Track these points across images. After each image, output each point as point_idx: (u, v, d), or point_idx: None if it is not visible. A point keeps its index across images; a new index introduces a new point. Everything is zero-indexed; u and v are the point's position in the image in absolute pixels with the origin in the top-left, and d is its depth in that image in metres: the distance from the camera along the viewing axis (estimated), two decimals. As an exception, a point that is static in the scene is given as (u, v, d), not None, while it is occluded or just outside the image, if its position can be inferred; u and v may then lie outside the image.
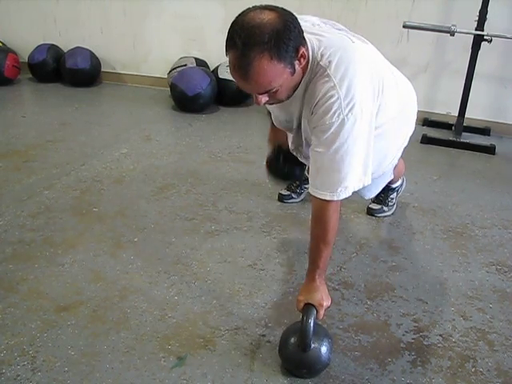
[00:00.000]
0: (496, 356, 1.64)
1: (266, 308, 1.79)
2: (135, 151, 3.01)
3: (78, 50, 4.08)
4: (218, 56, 3.84)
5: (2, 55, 3.99)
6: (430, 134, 3.42)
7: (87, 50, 4.10)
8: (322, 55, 1.51)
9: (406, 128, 1.96)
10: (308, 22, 1.64)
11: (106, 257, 2.02)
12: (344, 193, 1.53)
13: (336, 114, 1.47)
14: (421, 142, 3.36)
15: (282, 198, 2.51)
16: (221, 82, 3.73)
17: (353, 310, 1.81)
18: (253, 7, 1.41)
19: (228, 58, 1.41)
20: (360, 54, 1.58)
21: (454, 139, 3.37)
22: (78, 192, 2.50)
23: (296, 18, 1.43)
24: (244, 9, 1.42)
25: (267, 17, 1.36)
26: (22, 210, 2.31)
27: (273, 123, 1.99)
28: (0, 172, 2.67)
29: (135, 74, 4.27)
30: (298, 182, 2.52)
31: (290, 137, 1.99)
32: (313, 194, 1.56)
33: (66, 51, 4.13)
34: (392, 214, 2.45)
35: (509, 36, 3.15)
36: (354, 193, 1.58)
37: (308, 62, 1.51)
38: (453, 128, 3.47)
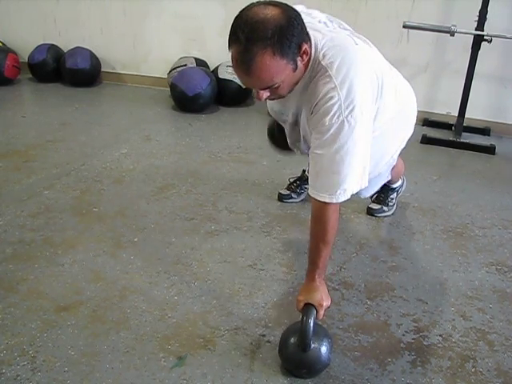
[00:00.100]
0: (496, 356, 1.64)
1: (265, 308, 1.79)
2: (135, 151, 3.01)
3: (77, 50, 4.08)
4: (217, 56, 3.85)
5: (1, 55, 3.99)
6: (430, 134, 3.42)
7: (87, 50, 4.10)
8: (324, 55, 1.51)
9: (404, 129, 1.96)
10: (315, 19, 1.64)
11: (105, 257, 2.02)
12: (343, 195, 1.53)
13: (336, 116, 1.47)
14: (421, 142, 3.37)
15: (281, 198, 2.51)
16: (221, 82, 3.73)
17: (353, 310, 1.81)
18: (257, 2, 1.41)
19: (230, 53, 1.41)
20: (362, 56, 1.58)
21: (454, 139, 3.37)
22: (78, 192, 2.50)
23: (299, 15, 1.43)
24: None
25: (271, 12, 1.36)
26: (22, 210, 2.31)
27: None
28: (0, 172, 2.67)
29: (135, 74, 4.27)
30: (298, 182, 2.52)
31: (286, 129, 1.99)
32: (312, 195, 1.56)
33: (65, 51, 4.13)
34: (392, 214, 2.45)
35: (509, 36, 3.15)
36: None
37: (310, 58, 1.51)
38: (453, 128, 3.47)
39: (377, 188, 2.18)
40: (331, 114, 1.48)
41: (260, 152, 3.08)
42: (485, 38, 3.14)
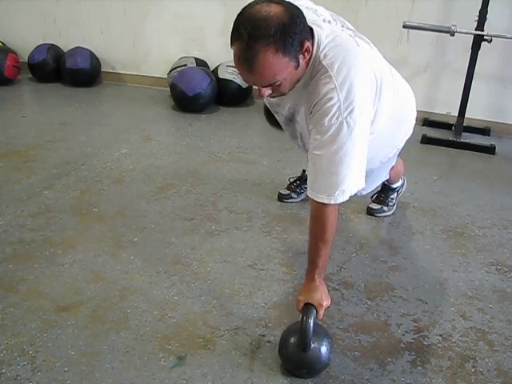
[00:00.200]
0: (496, 356, 1.64)
1: (265, 308, 1.79)
2: (135, 151, 3.01)
3: (77, 50, 4.07)
4: (217, 56, 3.85)
5: (2, 55, 3.99)
6: (430, 134, 3.42)
7: (87, 49, 4.10)
8: (325, 55, 1.51)
9: (400, 130, 1.96)
10: (320, 17, 1.63)
11: (105, 257, 2.02)
12: (341, 197, 1.53)
13: (335, 117, 1.47)
14: (421, 142, 3.37)
15: (281, 198, 2.51)
16: (221, 82, 3.73)
17: (353, 310, 1.81)
18: (259, 0, 1.41)
19: (233, 50, 1.41)
20: (363, 57, 1.58)
21: (454, 139, 3.37)
22: (78, 192, 2.50)
23: (302, 12, 1.42)
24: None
25: (274, 10, 1.36)
26: (22, 210, 2.31)
27: None
28: (0, 172, 2.67)
29: (135, 74, 4.27)
30: (298, 182, 2.52)
31: (279, 120, 1.97)
32: (311, 196, 1.56)
33: (66, 51, 4.13)
34: (392, 214, 2.45)
35: (509, 36, 3.15)
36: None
37: (311, 56, 1.51)
38: (453, 128, 3.47)
39: (374, 187, 2.18)
40: (330, 114, 1.48)
41: (260, 152, 3.08)
42: (485, 37, 3.14)
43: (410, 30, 3.41)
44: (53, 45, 4.16)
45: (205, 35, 4.01)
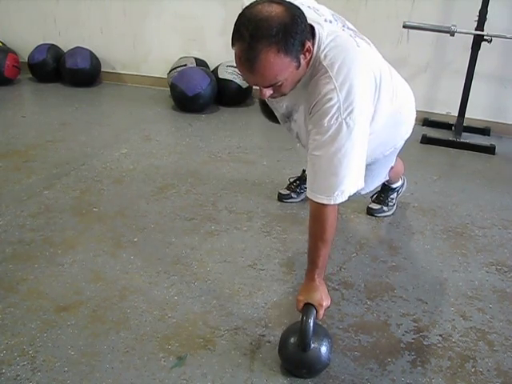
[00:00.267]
0: (496, 356, 1.64)
1: (265, 308, 1.79)
2: (135, 151, 3.01)
3: (77, 50, 4.08)
4: (217, 56, 3.85)
5: (1, 55, 3.99)
6: (430, 134, 3.42)
7: (87, 49, 4.10)
8: (326, 55, 1.51)
9: (399, 130, 1.96)
10: (322, 17, 1.63)
11: (105, 257, 2.02)
12: (340, 197, 1.53)
13: (334, 118, 1.47)
14: (421, 142, 3.37)
15: (281, 198, 2.51)
16: (221, 82, 3.73)
17: (353, 310, 1.81)
18: (260, 0, 1.41)
19: (234, 51, 1.41)
20: (363, 58, 1.58)
21: (454, 139, 3.37)
22: (78, 192, 2.50)
23: (303, 12, 1.42)
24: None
25: (275, 10, 1.36)
26: (22, 210, 2.31)
27: None
28: (0, 172, 2.67)
29: (135, 74, 4.27)
30: (297, 182, 2.52)
31: (276, 114, 1.96)
32: (310, 197, 1.56)
33: (65, 51, 4.13)
34: (392, 214, 2.45)
35: (509, 36, 3.15)
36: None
37: (312, 56, 1.51)
38: (453, 128, 3.47)
39: (373, 187, 2.17)
40: (330, 115, 1.48)
41: (260, 152, 3.08)
42: (485, 37, 3.14)
43: (410, 30, 3.41)
44: (53, 45, 4.17)
45: (205, 35, 4.01)
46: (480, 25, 3.15)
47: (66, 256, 2.01)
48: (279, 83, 1.45)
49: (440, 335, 1.72)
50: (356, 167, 1.54)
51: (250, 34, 1.35)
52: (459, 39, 3.23)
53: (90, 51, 4.11)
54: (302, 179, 2.51)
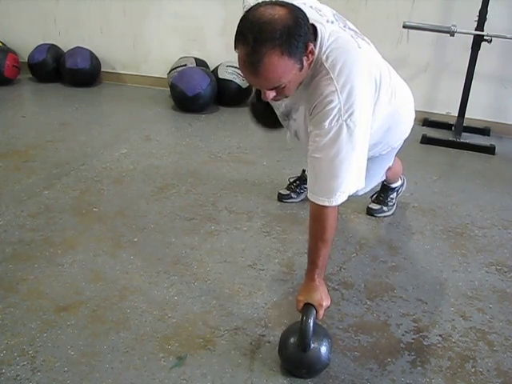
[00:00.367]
0: (496, 356, 1.64)
1: (265, 308, 1.79)
2: (135, 151, 3.01)
3: (77, 50, 4.07)
4: (217, 56, 3.85)
5: (1, 55, 3.99)
6: (430, 134, 3.42)
7: (87, 49, 4.10)
8: (327, 57, 1.50)
9: (397, 131, 1.96)
10: (323, 17, 1.63)
11: (105, 257, 2.02)
12: (341, 198, 1.53)
13: (335, 119, 1.47)
14: (420, 142, 3.37)
15: (281, 198, 2.51)
16: (221, 82, 3.73)
17: (352, 310, 1.81)
18: (263, 2, 1.40)
19: (237, 54, 1.40)
20: (364, 59, 1.57)
21: (454, 139, 3.37)
22: (78, 192, 2.50)
23: (305, 14, 1.42)
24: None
25: (278, 12, 1.36)
26: (22, 210, 2.31)
27: None
28: (0, 172, 2.67)
29: (135, 74, 4.27)
30: (297, 182, 2.52)
31: (276, 112, 1.96)
32: (311, 199, 1.56)
33: (65, 51, 4.13)
34: (392, 214, 2.45)
35: (509, 36, 3.15)
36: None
37: (313, 57, 1.51)
38: (453, 128, 3.47)
39: (370, 187, 2.17)
40: (331, 117, 1.47)
41: (260, 152, 3.08)
42: (485, 38, 3.14)
43: (410, 30, 3.41)
44: (53, 45, 4.16)
45: (205, 35, 4.01)
46: (480, 25, 3.15)
47: (65, 256, 2.01)
48: (283, 85, 1.44)
49: (440, 335, 1.72)
50: (356, 168, 1.54)
51: (253, 37, 1.34)
52: (459, 39, 3.23)
53: (90, 51, 4.11)
54: (301, 179, 2.51)
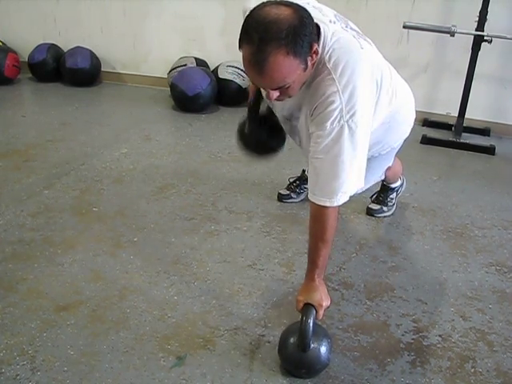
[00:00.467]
0: (495, 356, 1.64)
1: (265, 308, 1.79)
2: (135, 151, 3.01)
3: (78, 50, 4.07)
4: (217, 56, 3.85)
5: (1, 55, 3.98)
6: (430, 135, 3.42)
7: (87, 49, 4.10)
8: (330, 57, 1.50)
9: (397, 131, 1.96)
10: (325, 17, 1.63)
11: (105, 256, 2.02)
12: (343, 198, 1.53)
13: (337, 120, 1.47)
14: (420, 143, 3.36)
15: (281, 198, 2.51)
16: (221, 82, 3.73)
17: (352, 310, 1.81)
18: (267, 2, 1.40)
19: (242, 53, 1.40)
20: (366, 60, 1.57)
21: (454, 140, 3.37)
22: (78, 192, 2.50)
23: (310, 14, 1.42)
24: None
25: (283, 12, 1.36)
26: (22, 210, 2.31)
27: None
28: (0, 171, 2.67)
29: (135, 73, 4.26)
30: (297, 182, 2.52)
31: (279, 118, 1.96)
32: (312, 200, 1.56)
33: (66, 51, 4.13)
34: (391, 214, 2.45)
35: (509, 37, 3.15)
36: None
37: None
38: (453, 128, 3.47)
39: (367, 186, 2.16)
40: (332, 118, 1.47)
41: (260, 152, 3.07)
42: (485, 38, 3.14)
43: (410, 31, 3.41)
44: (53, 44, 4.16)
45: (205, 35, 4.00)
46: (480, 25, 3.15)
47: (65, 256, 2.01)
48: (287, 85, 1.44)
49: (440, 335, 1.72)
50: (357, 168, 1.54)
51: (259, 36, 1.34)
52: (459, 40, 3.23)
53: (90, 51, 4.10)
54: (301, 179, 2.51)
